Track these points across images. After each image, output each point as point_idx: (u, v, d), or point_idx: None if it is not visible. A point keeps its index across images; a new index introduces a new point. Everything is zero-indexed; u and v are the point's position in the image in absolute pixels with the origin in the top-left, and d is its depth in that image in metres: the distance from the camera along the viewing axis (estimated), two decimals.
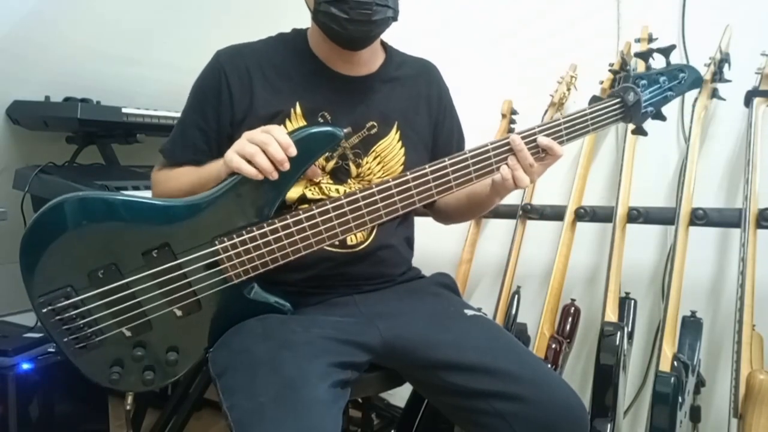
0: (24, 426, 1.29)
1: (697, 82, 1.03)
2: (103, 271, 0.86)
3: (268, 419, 0.73)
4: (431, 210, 1.18)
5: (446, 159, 0.92)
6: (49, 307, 0.86)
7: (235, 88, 0.98)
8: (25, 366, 1.30)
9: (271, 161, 0.83)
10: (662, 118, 1.04)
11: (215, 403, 1.94)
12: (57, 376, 1.36)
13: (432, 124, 1.11)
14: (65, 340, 0.88)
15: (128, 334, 0.89)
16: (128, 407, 1.14)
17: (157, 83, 1.80)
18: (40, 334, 1.44)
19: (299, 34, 1.06)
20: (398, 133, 1.04)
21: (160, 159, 1.05)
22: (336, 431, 0.76)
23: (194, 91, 1.02)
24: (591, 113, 0.97)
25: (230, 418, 0.77)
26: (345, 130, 0.89)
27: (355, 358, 0.90)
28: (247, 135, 0.86)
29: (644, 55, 1.14)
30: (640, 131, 1.05)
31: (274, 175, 0.84)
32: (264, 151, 0.83)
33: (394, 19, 0.97)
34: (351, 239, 1.01)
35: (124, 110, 1.53)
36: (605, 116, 0.98)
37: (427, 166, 0.91)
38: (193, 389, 1.62)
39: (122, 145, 1.68)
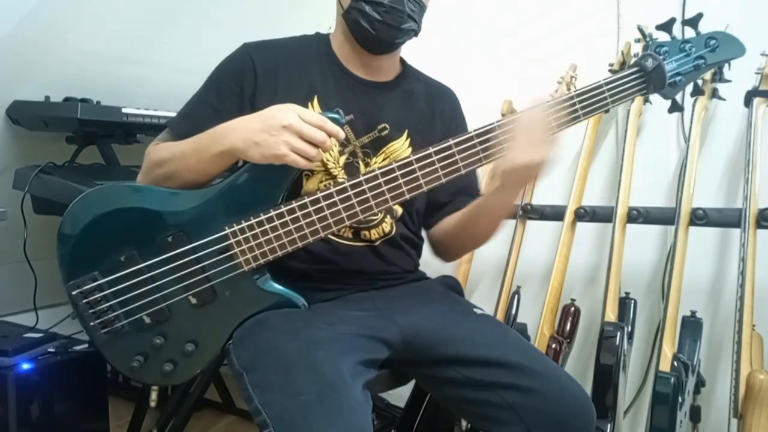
0: (24, 426, 1.29)
1: (734, 48, 0.98)
2: (124, 256, 0.91)
3: (314, 418, 0.73)
4: (432, 243, 1.15)
5: (450, 139, 0.89)
6: (78, 290, 0.92)
7: (260, 79, 0.99)
8: (25, 366, 1.30)
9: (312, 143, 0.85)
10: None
11: (215, 403, 1.95)
12: (57, 376, 1.36)
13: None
14: (92, 324, 0.93)
15: (148, 320, 0.92)
16: (153, 403, 1.14)
17: (157, 83, 1.80)
18: (40, 334, 1.44)
19: (322, 37, 1.08)
20: (408, 139, 1.06)
21: (162, 133, 1.03)
22: None
23: (215, 74, 1.02)
24: (607, 84, 0.93)
25: (266, 415, 0.76)
26: (347, 117, 0.90)
27: (378, 355, 0.91)
28: (272, 121, 0.85)
29: (667, 26, 1.02)
30: (675, 107, 1.00)
31: (319, 157, 0.87)
32: (300, 136, 0.84)
33: (416, 34, 1.02)
34: (370, 234, 1.02)
35: (124, 110, 1.53)
36: (624, 87, 0.94)
37: (430, 148, 0.89)
38: (193, 389, 1.62)
39: (122, 145, 1.68)
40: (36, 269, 1.47)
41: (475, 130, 0.90)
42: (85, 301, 0.92)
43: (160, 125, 1.58)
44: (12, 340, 1.40)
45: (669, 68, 0.95)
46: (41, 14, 1.46)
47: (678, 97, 1.01)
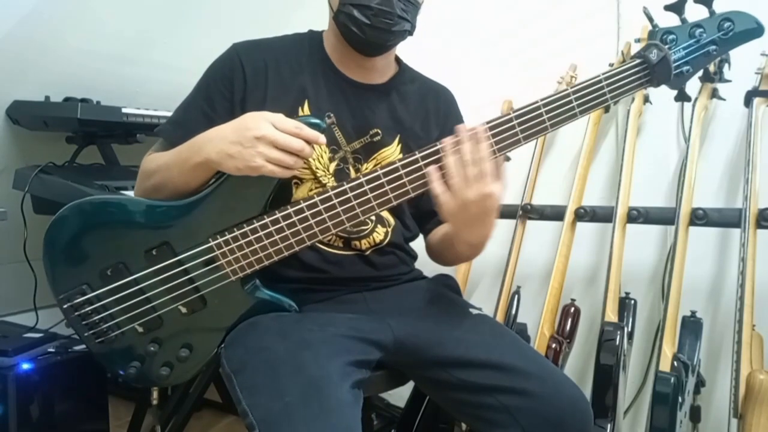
0: (24, 426, 1.29)
1: (753, 31, 0.87)
2: (111, 269, 0.91)
3: (297, 419, 0.73)
4: (428, 248, 1.12)
5: (438, 143, 0.86)
6: (68, 304, 0.92)
7: (250, 80, 0.97)
8: (25, 366, 1.30)
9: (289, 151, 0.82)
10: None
11: (215, 403, 1.95)
12: (57, 376, 1.36)
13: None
14: (86, 334, 0.94)
15: (140, 330, 0.93)
16: (154, 402, 1.15)
17: (157, 83, 1.80)
18: (40, 334, 1.44)
19: (315, 36, 1.06)
20: (400, 145, 1.04)
21: (156, 143, 1.02)
22: None
23: (204, 78, 1.00)
24: (607, 78, 0.87)
25: (252, 417, 0.76)
26: (328, 121, 0.89)
27: (369, 356, 0.90)
28: (245, 132, 0.82)
29: (676, 6, 0.90)
30: (682, 96, 0.92)
31: (299, 164, 0.84)
32: (275, 146, 0.81)
33: (410, 33, 0.98)
34: (361, 243, 1.01)
35: (124, 110, 1.53)
36: (626, 80, 0.88)
37: (417, 153, 0.86)
38: (193, 389, 1.62)
39: (122, 145, 1.69)
40: (36, 269, 1.47)
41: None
42: (76, 314, 0.92)
43: (160, 125, 1.58)
44: (12, 340, 1.40)
45: (676, 57, 0.87)
46: (41, 14, 1.46)
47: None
